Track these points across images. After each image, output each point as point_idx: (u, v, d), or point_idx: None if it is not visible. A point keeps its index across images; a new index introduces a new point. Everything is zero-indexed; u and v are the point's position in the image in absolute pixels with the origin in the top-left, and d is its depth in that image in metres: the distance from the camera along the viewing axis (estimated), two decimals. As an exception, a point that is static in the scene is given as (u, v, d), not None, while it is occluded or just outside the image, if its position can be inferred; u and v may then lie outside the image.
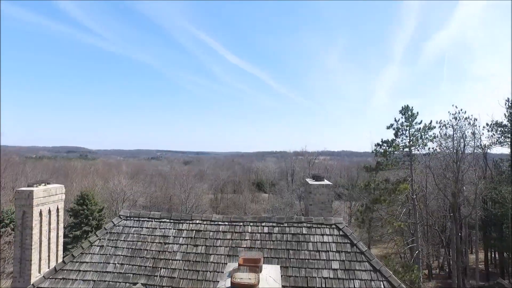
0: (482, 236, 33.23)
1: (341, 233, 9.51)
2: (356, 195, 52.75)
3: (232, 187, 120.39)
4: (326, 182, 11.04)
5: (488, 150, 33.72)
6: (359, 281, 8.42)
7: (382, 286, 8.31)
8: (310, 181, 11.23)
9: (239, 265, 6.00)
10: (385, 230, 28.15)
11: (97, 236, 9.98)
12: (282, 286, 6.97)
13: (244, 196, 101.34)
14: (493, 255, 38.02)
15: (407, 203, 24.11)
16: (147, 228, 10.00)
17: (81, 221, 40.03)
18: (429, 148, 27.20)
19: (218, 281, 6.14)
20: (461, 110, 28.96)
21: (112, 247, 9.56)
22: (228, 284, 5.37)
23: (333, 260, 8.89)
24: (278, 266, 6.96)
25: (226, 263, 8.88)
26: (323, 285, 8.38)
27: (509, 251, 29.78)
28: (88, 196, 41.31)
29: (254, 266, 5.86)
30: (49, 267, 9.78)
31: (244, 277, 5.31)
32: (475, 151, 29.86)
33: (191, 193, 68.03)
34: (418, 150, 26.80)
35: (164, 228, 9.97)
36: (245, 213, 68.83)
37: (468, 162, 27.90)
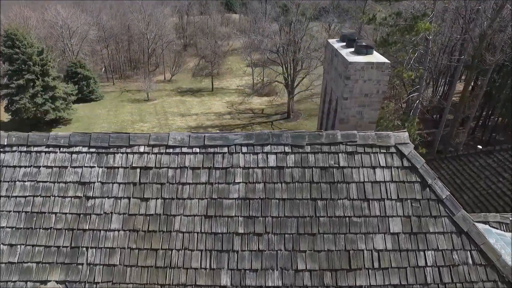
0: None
1: (405, 163, 5.32)
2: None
3: (199, 9, 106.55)
4: (379, 58, 5.95)
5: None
6: (432, 252, 4.90)
7: (470, 260, 4.90)
8: (347, 54, 6.07)
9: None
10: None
11: None
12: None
13: (212, 19, 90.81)
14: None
15: (418, 47, 19.23)
16: (48, 167, 5.33)
17: (20, 68, 33.29)
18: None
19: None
20: None
21: (-17, 214, 5.13)
22: None
23: (392, 216, 5.06)
24: None
25: (204, 233, 4.98)
26: (375, 263, 4.86)
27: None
28: (17, 36, 32.86)
29: None
30: None
31: None
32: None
33: (152, 19, 58.13)
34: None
35: (82, 166, 5.34)
36: (216, 41, 61.83)
37: None
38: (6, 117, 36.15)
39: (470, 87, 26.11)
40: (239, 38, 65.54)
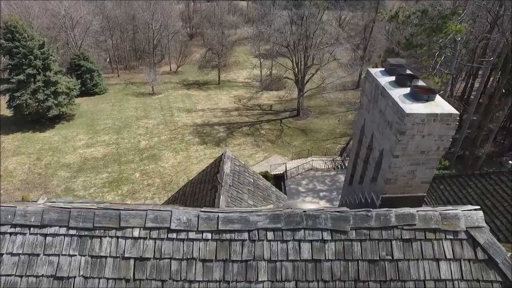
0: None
1: (480, 254, 4.06)
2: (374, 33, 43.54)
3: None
4: (443, 106, 4.61)
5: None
6: None
7: None
8: (401, 99, 4.73)
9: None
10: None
11: None
12: None
13: (219, 7, 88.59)
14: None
15: (445, 49, 17.47)
16: (13, 255, 4.12)
17: (21, 62, 32.08)
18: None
19: None
20: None
21: None
22: None
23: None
24: None
25: None
26: None
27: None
28: (17, 28, 31.55)
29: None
30: None
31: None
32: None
33: (157, 8, 56.20)
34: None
35: (59, 254, 4.13)
36: (223, 32, 59.92)
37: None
38: (9, 111, 35.23)
39: (495, 90, 24.28)
40: (247, 30, 63.54)
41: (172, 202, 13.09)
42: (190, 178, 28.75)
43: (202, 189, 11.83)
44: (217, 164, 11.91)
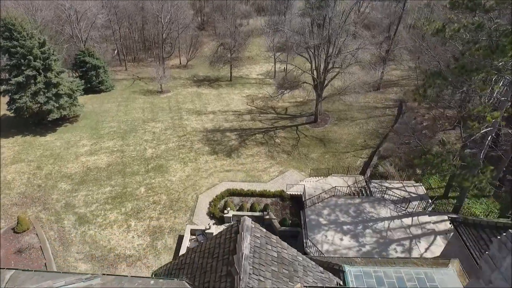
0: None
1: None
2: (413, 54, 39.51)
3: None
4: None
5: None
6: None
7: None
8: None
9: None
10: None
11: None
12: None
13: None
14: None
15: (506, 72, 14.33)
16: None
17: (20, 63, 29.90)
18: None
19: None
20: None
21: None
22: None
23: None
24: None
25: None
26: None
27: None
28: (15, 26, 29.22)
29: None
30: None
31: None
32: None
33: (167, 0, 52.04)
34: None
35: None
36: (236, 26, 56.60)
37: None
38: (11, 112, 33.36)
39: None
40: (260, 21, 59.98)
41: (178, 269, 10.90)
42: (199, 195, 26.50)
43: (214, 269, 9.59)
44: (233, 236, 9.62)
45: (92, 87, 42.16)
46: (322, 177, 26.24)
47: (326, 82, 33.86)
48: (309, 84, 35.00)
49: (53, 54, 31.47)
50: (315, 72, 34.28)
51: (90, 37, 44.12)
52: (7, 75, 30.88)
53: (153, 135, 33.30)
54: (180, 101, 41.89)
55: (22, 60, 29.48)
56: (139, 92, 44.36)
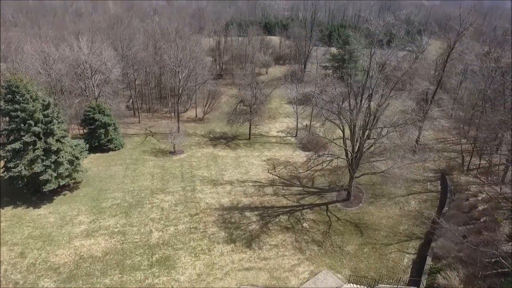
0: None
1: None
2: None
3: (237, 32, 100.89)
4: None
5: None
6: None
7: None
8: None
9: None
10: None
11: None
12: None
13: (252, 45, 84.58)
14: None
15: None
16: None
17: (18, 127, 26.64)
18: None
19: None
20: None
21: None
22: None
23: None
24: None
25: None
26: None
27: None
28: (19, 88, 26.34)
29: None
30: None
31: None
32: None
33: (185, 54, 48.09)
34: None
35: None
36: (257, 83, 54.04)
37: None
38: (5, 177, 29.73)
39: None
40: (281, 82, 57.38)
41: None
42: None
43: None
44: None
45: (100, 145, 38.80)
46: (365, 287, 20.91)
47: (362, 154, 29.47)
48: (343, 158, 30.58)
49: (57, 117, 28.27)
50: (347, 142, 30.12)
51: (102, 93, 41.54)
52: (5, 139, 27.59)
53: (161, 212, 28.80)
54: (194, 165, 37.85)
55: (22, 125, 26.25)
56: (150, 152, 40.69)
